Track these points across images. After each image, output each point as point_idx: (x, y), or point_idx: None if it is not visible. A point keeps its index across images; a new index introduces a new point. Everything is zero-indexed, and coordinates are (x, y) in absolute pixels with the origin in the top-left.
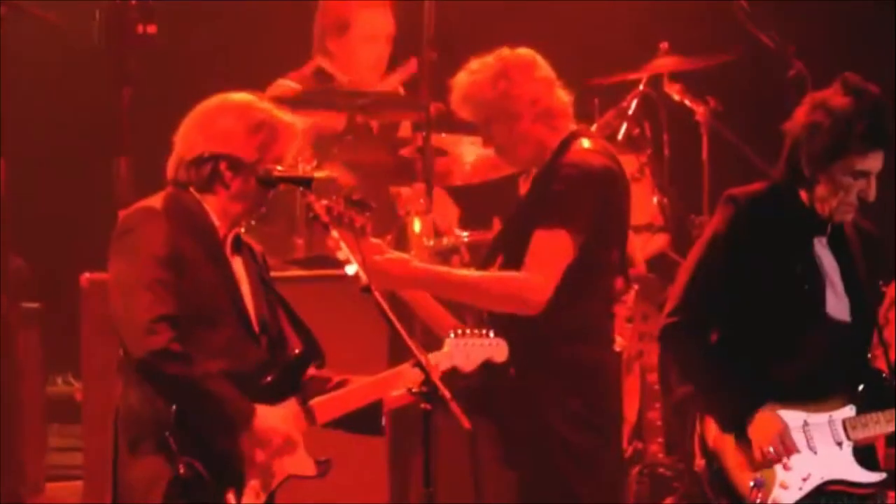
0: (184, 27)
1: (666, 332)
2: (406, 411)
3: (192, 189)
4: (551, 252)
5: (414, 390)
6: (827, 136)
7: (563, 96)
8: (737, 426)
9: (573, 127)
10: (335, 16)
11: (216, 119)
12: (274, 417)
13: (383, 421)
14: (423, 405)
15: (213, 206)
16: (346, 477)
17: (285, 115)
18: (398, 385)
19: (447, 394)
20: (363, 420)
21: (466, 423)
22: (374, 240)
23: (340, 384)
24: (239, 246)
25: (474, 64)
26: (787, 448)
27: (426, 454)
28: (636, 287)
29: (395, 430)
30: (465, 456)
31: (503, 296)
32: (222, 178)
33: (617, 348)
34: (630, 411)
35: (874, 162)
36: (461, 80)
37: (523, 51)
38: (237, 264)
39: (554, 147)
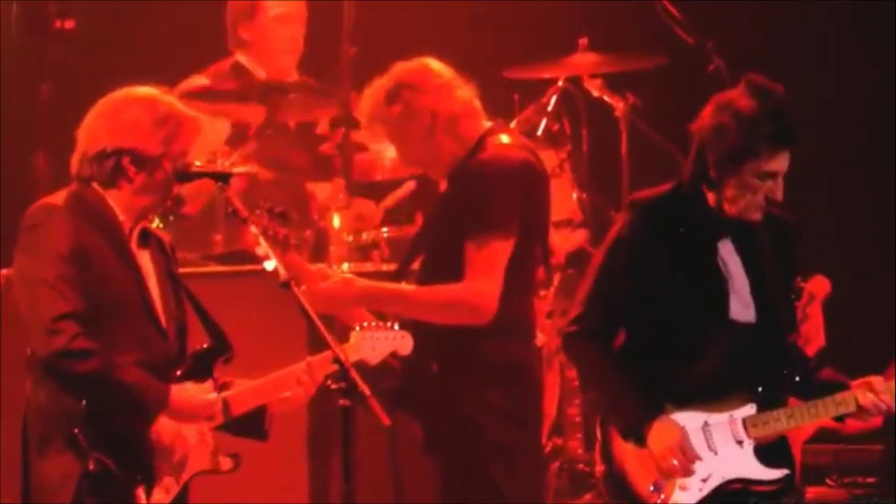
0: (102, 22)
1: (567, 341)
2: (325, 408)
3: (95, 184)
4: (489, 258)
5: (334, 386)
6: (734, 140)
7: (466, 95)
8: (635, 435)
9: (487, 124)
10: (244, 1)
11: (120, 113)
12: (187, 391)
13: (266, 425)
14: (341, 401)
15: (118, 201)
16: (265, 473)
17: (189, 110)
18: (305, 379)
19: (366, 390)
20: (247, 423)
21: (385, 420)
22: (317, 266)
23: (223, 387)
24: (146, 239)
25: (368, 88)
26: (687, 457)
27: (346, 450)
28: (556, 283)
29: (315, 426)
30: (386, 451)
31: (452, 308)
32: (125, 173)
33: (537, 344)
34: (550, 407)
35: (781, 163)
36: (363, 105)
37: (413, 63)
38: (144, 258)
39: (469, 146)
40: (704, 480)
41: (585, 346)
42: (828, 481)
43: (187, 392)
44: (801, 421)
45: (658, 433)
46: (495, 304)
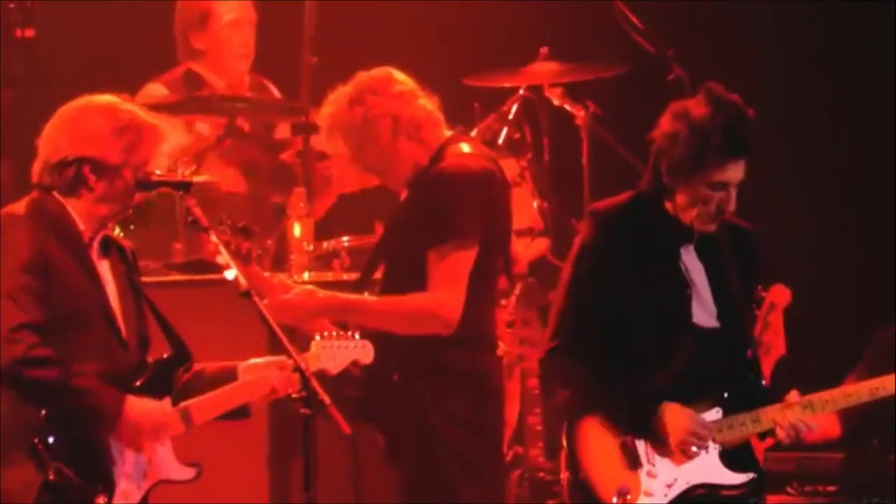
0: (63, 31)
1: (547, 360)
2: (286, 415)
3: (56, 193)
4: (451, 268)
5: (294, 395)
6: (685, 148)
7: (428, 105)
8: (643, 425)
9: (447, 133)
10: (194, 10)
11: (81, 121)
12: (144, 404)
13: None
14: (302, 410)
15: (78, 210)
16: (225, 479)
17: (150, 117)
18: (266, 386)
19: (326, 399)
20: None
21: (346, 429)
22: (278, 278)
23: (199, 373)
24: (107, 248)
25: (332, 95)
26: (705, 434)
27: (306, 458)
28: (517, 292)
29: (275, 433)
30: (346, 459)
31: (415, 319)
32: (86, 182)
33: (498, 353)
34: (511, 416)
35: (733, 173)
36: (323, 112)
37: (377, 71)
38: (104, 268)
39: (430, 155)
40: (669, 486)
41: (564, 362)
42: (789, 489)
43: (144, 404)
44: (766, 425)
45: (671, 417)
46: (459, 314)
